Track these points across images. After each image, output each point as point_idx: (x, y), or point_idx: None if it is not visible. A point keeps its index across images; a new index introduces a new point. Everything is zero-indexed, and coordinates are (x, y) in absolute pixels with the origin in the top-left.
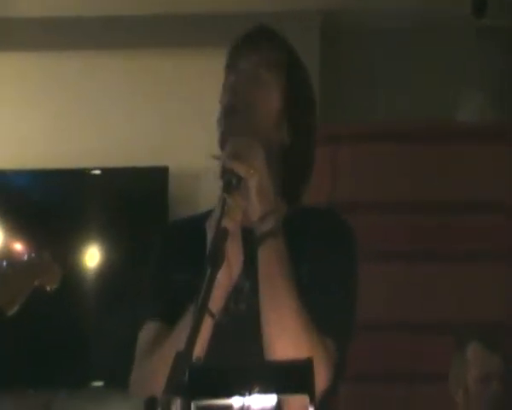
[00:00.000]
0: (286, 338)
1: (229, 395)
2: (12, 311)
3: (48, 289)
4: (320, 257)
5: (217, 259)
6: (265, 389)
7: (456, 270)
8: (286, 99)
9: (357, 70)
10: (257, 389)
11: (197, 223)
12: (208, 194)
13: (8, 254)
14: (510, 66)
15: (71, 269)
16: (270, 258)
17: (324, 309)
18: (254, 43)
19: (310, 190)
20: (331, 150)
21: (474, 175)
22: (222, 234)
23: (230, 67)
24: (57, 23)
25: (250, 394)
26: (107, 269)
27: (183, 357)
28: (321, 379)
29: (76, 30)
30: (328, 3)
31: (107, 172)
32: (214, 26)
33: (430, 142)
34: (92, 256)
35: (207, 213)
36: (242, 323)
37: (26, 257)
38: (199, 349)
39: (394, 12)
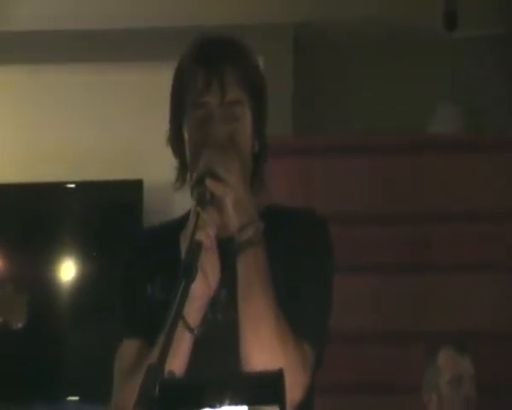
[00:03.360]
0: (262, 346)
1: (200, 407)
2: None
3: (14, 327)
4: (295, 256)
5: (190, 271)
6: (236, 401)
7: (427, 280)
8: (254, 117)
9: (329, 81)
10: (228, 400)
11: (169, 231)
12: (183, 206)
13: None
14: (482, 77)
15: (45, 283)
16: (248, 267)
17: (300, 312)
18: (216, 69)
19: (283, 200)
20: (304, 162)
21: (447, 186)
22: (196, 247)
23: (196, 97)
24: (31, 37)
25: (221, 405)
26: (81, 283)
27: (154, 369)
28: (298, 384)
29: (48, 43)
30: (301, 15)
31: (81, 185)
32: (187, 39)
33: (403, 153)
34: (67, 270)
35: (179, 221)
36: (219, 333)
37: None
38: (179, 365)
39: (366, 23)
